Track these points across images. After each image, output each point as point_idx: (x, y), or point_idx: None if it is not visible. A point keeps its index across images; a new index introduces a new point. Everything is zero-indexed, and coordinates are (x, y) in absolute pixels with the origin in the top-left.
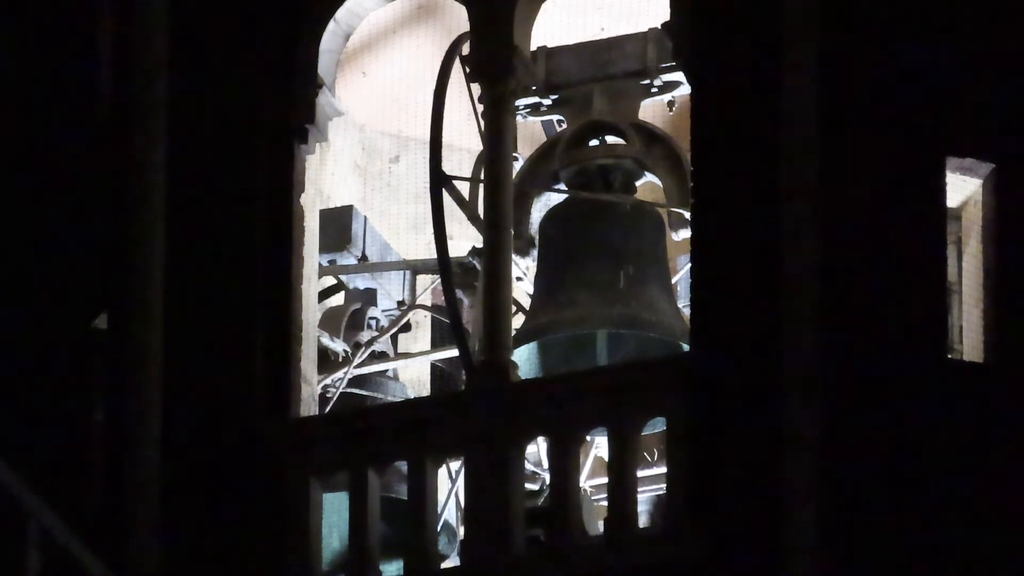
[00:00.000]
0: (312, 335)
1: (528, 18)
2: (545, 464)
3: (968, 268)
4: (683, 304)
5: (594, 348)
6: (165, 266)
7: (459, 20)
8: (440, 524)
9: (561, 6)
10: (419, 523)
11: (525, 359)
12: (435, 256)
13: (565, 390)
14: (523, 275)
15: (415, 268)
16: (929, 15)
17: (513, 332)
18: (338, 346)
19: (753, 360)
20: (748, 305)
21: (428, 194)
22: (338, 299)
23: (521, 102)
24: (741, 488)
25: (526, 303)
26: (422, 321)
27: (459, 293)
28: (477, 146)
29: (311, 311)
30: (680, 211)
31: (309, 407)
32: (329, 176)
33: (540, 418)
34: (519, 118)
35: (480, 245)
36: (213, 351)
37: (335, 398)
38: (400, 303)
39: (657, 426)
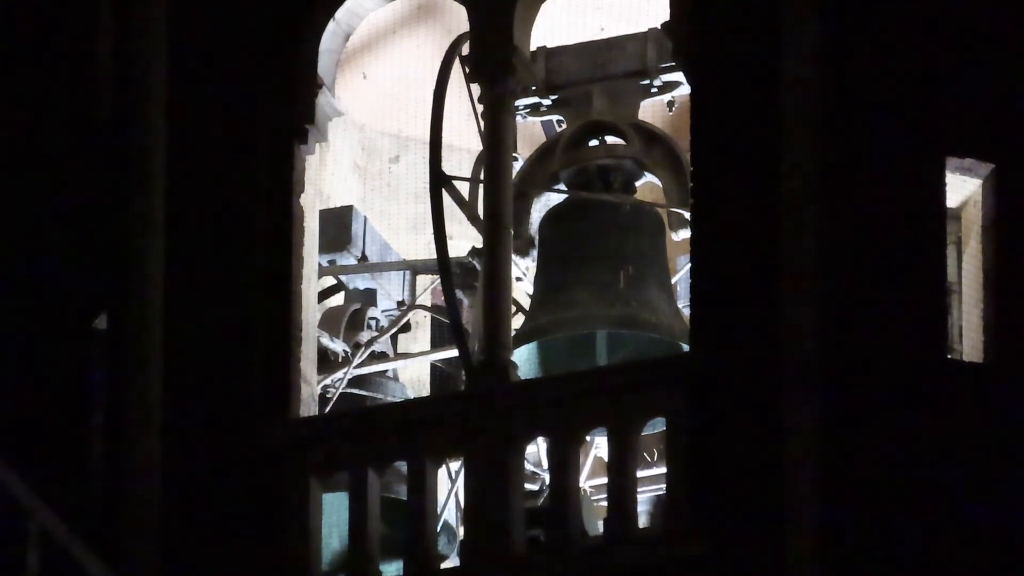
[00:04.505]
0: (312, 335)
1: (528, 18)
2: (545, 464)
3: (968, 268)
4: (683, 304)
5: (594, 348)
6: (165, 266)
7: (459, 20)
8: (440, 524)
9: (561, 6)
10: (419, 523)
11: (525, 359)
12: (435, 256)
13: (565, 390)
14: (523, 275)
15: (415, 268)
16: (929, 15)
17: (513, 332)
18: (338, 346)
19: (753, 360)
20: (748, 305)
21: (428, 194)
22: (338, 299)
23: (521, 102)
24: (741, 488)
25: (526, 303)
26: (422, 321)
27: (459, 293)
28: (477, 146)
29: (311, 311)
30: (680, 211)
31: (309, 407)
32: (329, 176)
33: (540, 418)
34: (519, 118)
35: (480, 245)
36: (213, 351)
37: (335, 398)
38: (400, 303)
39: (657, 426)
